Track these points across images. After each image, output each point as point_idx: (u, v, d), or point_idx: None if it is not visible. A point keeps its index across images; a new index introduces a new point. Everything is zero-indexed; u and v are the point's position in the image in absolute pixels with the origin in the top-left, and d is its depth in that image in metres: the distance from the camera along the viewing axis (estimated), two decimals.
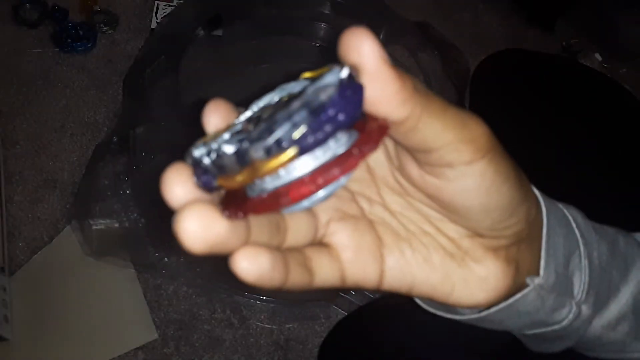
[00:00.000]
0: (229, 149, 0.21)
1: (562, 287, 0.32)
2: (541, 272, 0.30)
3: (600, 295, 0.34)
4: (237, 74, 0.96)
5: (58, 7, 1.12)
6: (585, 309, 0.33)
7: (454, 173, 0.24)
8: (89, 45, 1.11)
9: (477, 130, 0.24)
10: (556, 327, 0.33)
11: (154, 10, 1.14)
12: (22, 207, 0.98)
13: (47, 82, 1.08)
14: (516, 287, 0.30)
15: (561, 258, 0.31)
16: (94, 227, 0.92)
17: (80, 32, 1.11)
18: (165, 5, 1.15)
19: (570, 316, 0.33)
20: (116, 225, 0.92)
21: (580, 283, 0.32)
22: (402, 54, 1.11)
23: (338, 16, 1.04)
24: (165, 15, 1.13)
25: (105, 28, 1.13)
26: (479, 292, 0.29)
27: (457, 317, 0.33)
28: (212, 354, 0.92)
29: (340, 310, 0.96)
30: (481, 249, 0.28)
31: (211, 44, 0.96)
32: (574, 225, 0.32)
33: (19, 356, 0.88)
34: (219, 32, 1.01)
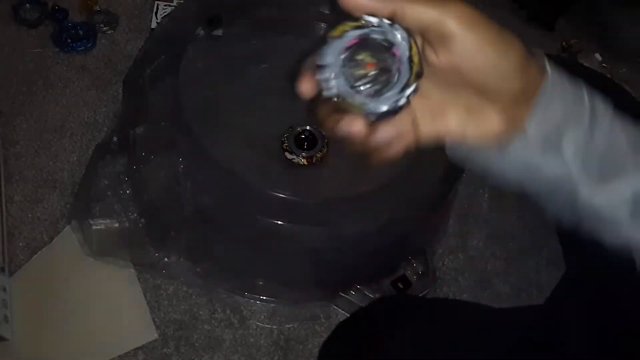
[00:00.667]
0: (384, 108, 0.37)
1: (550, 143, 0.39)
2: (528, 125, 0.39)
3: (603, 168, 0.40)
4: (237, 74, 0.96)
5: (58, 7, 1.12)
6: (575, 169, 0.40)
7: (455, 43, 0.35)
8: (89, 45, 1.11)
9: (457, 7, 0.35)
10: (549, 173, 0.40)
11: (154, 10, 1.15)
12: (22, 207, 0.98)
13: (47, 82, 1.08)
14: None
15: (553, 122, 0.39)
16: (94, 227, 0.92)
17: (80, 32, 1.11)
18: (165, 5, 1.15)
19: (560, 169, 0.40)
20: (116, 225, 0.92)
21: (574, 145, 0.39)
22: None
23: (338, 16, 1.03)
24: (165, 15, 1.13)
25: (105, 28, 1.13)
26: (486, 132, 0.39)
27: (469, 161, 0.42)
28: (212, 354, 0.92)
29: (340, 310, 0.96)
30: (488, 105, 0.38)
31: (211, 44, 0.96)
32: (586, 99, 0.41)
33: (19, 356, 0.88)
34: (219, 32, 1.01)
